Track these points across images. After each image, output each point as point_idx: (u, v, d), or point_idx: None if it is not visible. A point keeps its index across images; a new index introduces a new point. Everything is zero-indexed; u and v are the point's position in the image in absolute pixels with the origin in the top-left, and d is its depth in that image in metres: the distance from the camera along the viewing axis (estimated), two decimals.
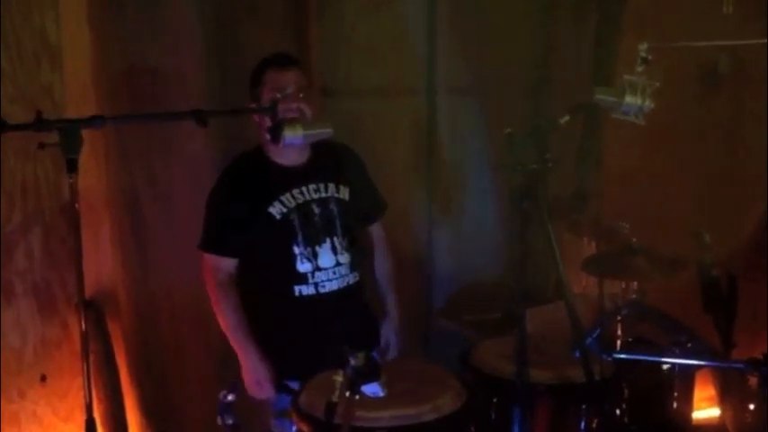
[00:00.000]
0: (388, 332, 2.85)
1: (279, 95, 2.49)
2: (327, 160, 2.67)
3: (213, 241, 2.62)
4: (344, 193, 2.68)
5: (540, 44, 3.55)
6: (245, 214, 2.57)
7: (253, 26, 3.09)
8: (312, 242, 2.60)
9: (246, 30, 3.09)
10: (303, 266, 2.59)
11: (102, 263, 3.04)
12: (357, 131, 3.18)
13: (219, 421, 2.43)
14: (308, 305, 2.60)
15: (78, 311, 2.08)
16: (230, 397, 2.39)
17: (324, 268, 2.61)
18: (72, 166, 1.97)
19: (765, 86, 3.62)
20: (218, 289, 2.61)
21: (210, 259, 2.63)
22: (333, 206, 2.63)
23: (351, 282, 2.67)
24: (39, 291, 2.90)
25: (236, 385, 2.48)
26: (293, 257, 2.58)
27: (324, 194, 2.64)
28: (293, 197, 2.60)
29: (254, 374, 2.59)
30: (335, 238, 2.63)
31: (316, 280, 2.60)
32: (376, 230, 2.87)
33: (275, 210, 2.58)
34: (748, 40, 2.67)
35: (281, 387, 2.57)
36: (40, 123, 1.99)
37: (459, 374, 2.45)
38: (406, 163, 3.48)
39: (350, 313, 2.69)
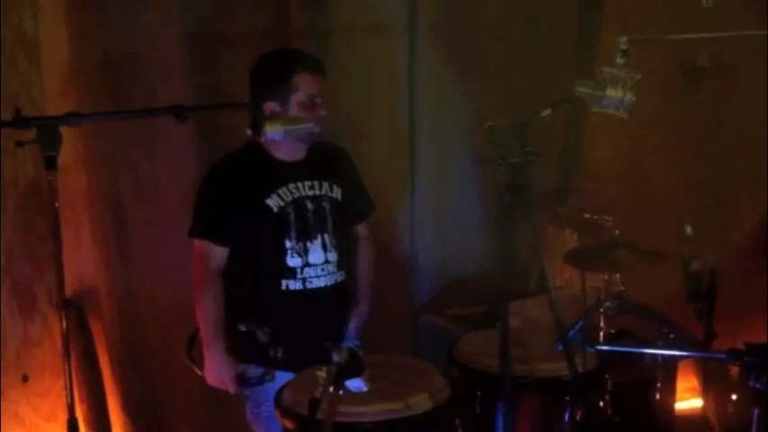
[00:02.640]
0: (352, 328, 2.83)
1: (316, 101, 2.52)
2: (323, 160, 2.68)
3: (208, 228, 2.58)
4: (337, 194, 2.68)
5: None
6: (241, 203, 2.55)
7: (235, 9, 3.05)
8: (304, 237, 2.60)
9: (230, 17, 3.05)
10: (293, 261, 2.59)
11: (83, 261, 3.02)
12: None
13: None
14: (295, 300, 2.60)
15: (59, 311, 2.06)
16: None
17: (313, 264, 2.61)
18: (51, 164, 1.96)
19: (746, 79, 3.65)
20: (206, 279, 2.58)
21: (203, 247, 2.59)
22: (325, 204, 2.64)
23: (338, 280, 2.68)
24: (19, 290, 2.89)
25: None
26: (284, 251, 2.58)
27: (318, 192, 2.64)
28: (289, 191, 2.60)
29: (218, 373, 2.57)
30: (326, 236, 2.63)
31: (304, 275, 2.60)
32: (362, 230, 2.87)
33: (272, 202, 2.57)
34: (728, 32, 2.68)
35: (241, 381, 2.57)
36: (17, 121, 1.97)
37: (443, 369, 2.45)
38: (386, 148, 3.43)
39: (336, 310, 2.70)
